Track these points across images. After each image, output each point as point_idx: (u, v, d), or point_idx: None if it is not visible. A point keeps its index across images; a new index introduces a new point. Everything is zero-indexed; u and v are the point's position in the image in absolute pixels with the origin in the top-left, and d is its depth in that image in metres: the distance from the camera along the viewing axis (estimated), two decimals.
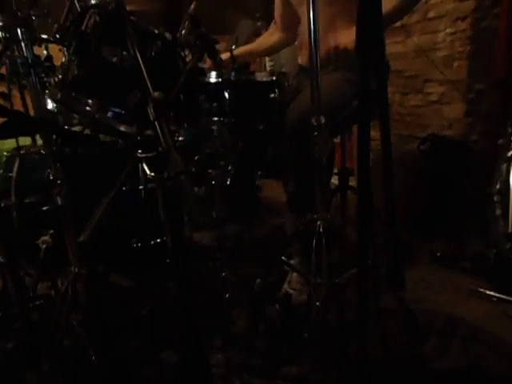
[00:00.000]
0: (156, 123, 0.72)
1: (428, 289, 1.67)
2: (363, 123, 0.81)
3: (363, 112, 0.82)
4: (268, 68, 3.59)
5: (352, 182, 2.09)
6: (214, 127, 1.47)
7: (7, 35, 0.98)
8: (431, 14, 2.06)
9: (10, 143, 2.45)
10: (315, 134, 1.08)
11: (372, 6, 0.72)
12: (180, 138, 1.70)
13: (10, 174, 1.49)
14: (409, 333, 1.33)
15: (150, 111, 0.74)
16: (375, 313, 1.07)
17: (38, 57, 0.96)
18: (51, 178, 0.99)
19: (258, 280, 1.34)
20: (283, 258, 1.33)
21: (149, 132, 0.81)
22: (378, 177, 1.09)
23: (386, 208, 0.89)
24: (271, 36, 1.85)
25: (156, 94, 0.74)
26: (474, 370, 1.20)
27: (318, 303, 1.08)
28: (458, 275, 1.75)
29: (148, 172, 0.70)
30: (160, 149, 0.72)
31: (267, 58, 3.57)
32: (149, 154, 0.72)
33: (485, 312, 1.48)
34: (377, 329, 1.10)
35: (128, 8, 1.37)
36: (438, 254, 1.85)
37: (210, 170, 1.56)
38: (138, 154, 0.73)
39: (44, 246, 1.37)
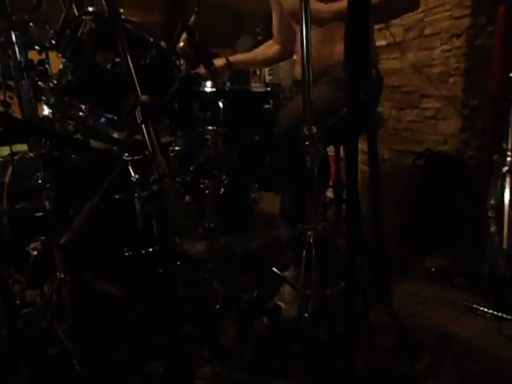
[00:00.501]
0: (143, 126, 0.72)
1: (422, 304, 1.65)
2: (351, 134, 0.81)
3: (350, 123, 0.82)
4: (267, 81, 3.63)
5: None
6: (208, 136, 1.47)
7: (2, 39, 0.98)
8: (427, 31, 2.09)
9: (6, 150, 2.45)
10: (306, 143, 1.08)
11: (360, 16, 0.73)
12: (176, 148, 1.70)
13: (3, 180, 1.49)
14: (400, 348, 1.31)
15: (138, 114, 0.73)
16: (364, 327, 1.05)
17: (32, 61, 0.96)
18: (40, 182, 0.99)
19: (247, 292, 1.32)
20: (274, 269, 1.31)
21: (138, 137, 0.81)
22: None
23: (373, 220, 0.89)
24: (269, 48, 1.87)
25: (144, 97, 0.74)
26: None
27: (306, 315, 1.06)
28: (453, 291, 1.72)
29: (132, 174, 0.69)
30: (146, 152, 0.72)
31: (267, 72, 3.61)
32: (134, 157, 0.72)
33: (479, 329, 1.45)
34: (366, 343, 1.07)
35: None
36: (433, 269, 1.83)
37: (203, 180, 1.56)
38: (125, 157, 0.73)
39: (34, 252, 1.35)
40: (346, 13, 1.29)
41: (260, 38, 3.60)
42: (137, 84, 0.78)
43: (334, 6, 1.30)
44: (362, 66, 0.78)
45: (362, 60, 0.76)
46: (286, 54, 1.86)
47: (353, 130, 0.77)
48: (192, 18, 1.52)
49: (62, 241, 0.68)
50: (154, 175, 0.70)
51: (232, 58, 1.81)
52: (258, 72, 3.70)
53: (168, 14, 3.01)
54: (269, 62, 1.96)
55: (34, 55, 1.19)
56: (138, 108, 0.73)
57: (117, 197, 1.32)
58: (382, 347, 1.28)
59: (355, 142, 0.78)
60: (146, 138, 0.71)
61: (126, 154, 0.72)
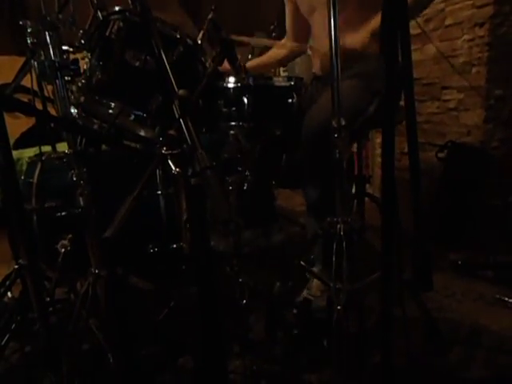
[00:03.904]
0: (181, 120, 0.73)
1: (449, 297, 1.63)
2: (387, 125, 0.81)
3: (387, 115, 0.81)
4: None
5: (368, 190, 2.07)
6: (232, 132, 1.47)
7: (35, 40, 1.00)
8: (448, 21, 2.06)
9: (29, 152, 2.51)
10: (335, 136, 1.08)
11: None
12: None
13: (31, 180, 1.52)
14: (432, 341, 1.30)
15: (176, 109, 0.74)
16: (399, 319, 1.04)
17: (66, 60, 0.98)
18: (74, 179, 1.01)
19: (277, 285, 1.33)
20: (302, 262, 1.31)
21: (171, 132, 0.81)
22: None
23: (414, 207, 0.88)
24: (282, 47, 1.87)
25: (181, 91, 0.74)
26: (502, 380, 1.16)
27: (339, 307, 1.05)
28: (481, 284, 1.70)
29: (173, 168, 0.70)
30: (185, 146, 0.73)
31: (282, 69, 3.60)
32: (174, 151, 0.72)
33: (510, 322, 1.43)
34: (399, 336, 1.07)
35: None
36: (460, 262, 1.81)
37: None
38: (163, 151, 0.73)
39: (63, 250, 1.38)
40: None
41: (274, 35, 3.59)
42: (172, 79, 0.79)
43: (363, 37, 1.29)
44: (397, 60, 0.78)
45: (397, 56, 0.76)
46: (300, 50, 1.85)
47: (390, 123, 0.77)
48: (210, 15, 1.53)
49: (106, 234, 0.69)
50: (193, 168, 0.71)
51: (248, 65, 1.82)
52: (272, 69, 3.69)
53: (184, 12, 3.03)
54: (284, 60, 1.96)
55: None
56: (176, 102, 0.74)
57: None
58: (413, 340, 1.27)
59: (392, 133, 0.77)
60: (185, 131, 0.72)
61: (165, 149, 0.73)
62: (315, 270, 1.38)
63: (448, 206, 2.04)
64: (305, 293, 1.37)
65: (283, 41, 1.88)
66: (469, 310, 1.54)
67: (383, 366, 0.91)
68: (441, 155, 2.11)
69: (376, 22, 1.31)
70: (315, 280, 1.36)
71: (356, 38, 1.30)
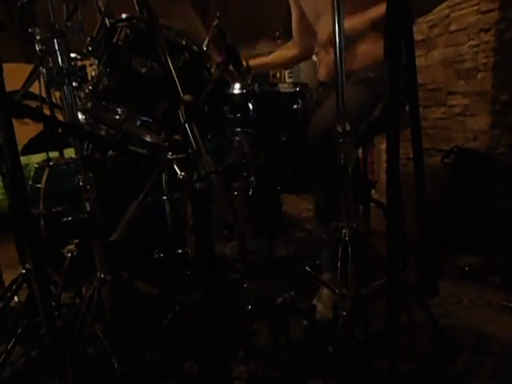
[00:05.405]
0: (187, 125, 0.73)
1: (457, 304, 1.62)
2: (391, 131, 0.81)
3: (391, 120, 0.81)
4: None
5: (374, 195, 2.07)
6: (238, 138, 1.48)
7: (43, 47, 1.02)
8: (453, 27, 2.06)
9: (37, 158, 2.53)
10: (340, 141, 1.08)
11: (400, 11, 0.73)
12: None
13: (39, 185, 1.54)
14: (438, 348, 1.28)
15: (181, 114, 0.75)
16: (404, 325, 1.04)
17: (74, 67, 1.00)
18: (81, 183, 1.02)
19: (282, 291, 1.32)
20: (307, 268, 1.31)
21: (177, 137, 0.82)
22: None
23: (418, 213, 0.88)
24: (288, 50, 1.88)
25: (187, 96, 0.75)
26: None
27: (344, 313, 1.05)
28: (488, 290, 1.68)
29: (179, 173, 0.71)
30: (190, 150, 0.73)
31: (287, 75, 3.62)
32: (179, 156, 0.73)
33: None
34: (405, 343, 1.06)
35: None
36: (467, 269, 1.79)
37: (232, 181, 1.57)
38: (169, 156, 0.74)
39: (69, 254, 1.39)
40: (382, 19, 1.29)
41: (279, 41, 3.61)
42: (178, 85, 0.80)
43: (366, 17, 1.29)
44: (401, 63, 0.78)
45: (402, 57, 0.76)
46: (305, 55, 1.87)
47: (394, 128, 0.77)
48: (215, 22, 1.54)
49: (112, 238, 0.70)
50: (198, 173, 0.71)
51: (252, 62, 1.82)
52: (278, 75, 3.71)
53: (190, 19, 3.06)
54: (288, 63, 1.98)
55: None
56: (182, 108, 0.75)
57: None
58: (419, 346, 1.26)
59: (396, 139, 0.77)
60: (190, 136, 0.73)
61: (170, 153, 0.73)
62: (325, 276, 1.37)
63: (454, 211, 2.02)
64: (315, 299, 1.36)
65: (289, 45, 1.89)
66: (476, 316, 1.52)
67: (389, 372, 0.90)
68: (447, 161, 2.11)
69: (377, 11, 1.30)
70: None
71: (354, 21, 1.29)
